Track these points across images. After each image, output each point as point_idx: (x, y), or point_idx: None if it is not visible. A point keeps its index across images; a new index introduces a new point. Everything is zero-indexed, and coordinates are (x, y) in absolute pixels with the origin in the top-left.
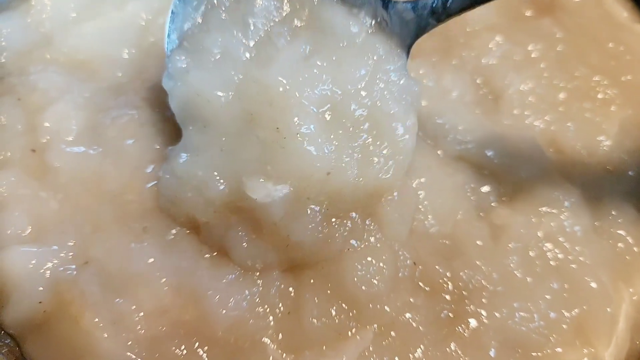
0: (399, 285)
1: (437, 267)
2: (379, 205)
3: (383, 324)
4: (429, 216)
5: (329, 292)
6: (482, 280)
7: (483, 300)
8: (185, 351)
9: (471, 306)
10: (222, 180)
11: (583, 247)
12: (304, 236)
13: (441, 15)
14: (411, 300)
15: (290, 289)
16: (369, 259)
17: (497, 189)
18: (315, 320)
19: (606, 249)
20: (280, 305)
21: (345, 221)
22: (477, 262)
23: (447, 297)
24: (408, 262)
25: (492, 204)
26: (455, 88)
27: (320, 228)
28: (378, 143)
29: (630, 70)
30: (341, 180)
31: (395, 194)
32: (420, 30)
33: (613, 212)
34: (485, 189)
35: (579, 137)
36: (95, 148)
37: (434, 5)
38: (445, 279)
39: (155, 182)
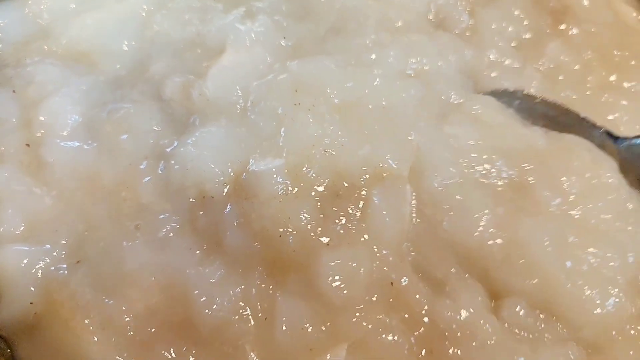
0: (375, 296)
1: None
2: (369, 196)
3: (357, 341)
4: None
5: (303, 293)
6: None
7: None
8: (174, 354)
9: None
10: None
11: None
12: (301, 220)
13: None
14: (387, 320)
15: (271, 287)
16: (348, 257)
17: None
18: (288, 332)
19: None
20: (259, 306)
21: (343, 210)
22: None
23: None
24: (393, 275)
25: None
26: None
27: (318, 212)
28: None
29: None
30: (343, 159)
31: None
32: None
33: None
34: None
35: None
36: (90, 143)
37: None
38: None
39: (150, 177)
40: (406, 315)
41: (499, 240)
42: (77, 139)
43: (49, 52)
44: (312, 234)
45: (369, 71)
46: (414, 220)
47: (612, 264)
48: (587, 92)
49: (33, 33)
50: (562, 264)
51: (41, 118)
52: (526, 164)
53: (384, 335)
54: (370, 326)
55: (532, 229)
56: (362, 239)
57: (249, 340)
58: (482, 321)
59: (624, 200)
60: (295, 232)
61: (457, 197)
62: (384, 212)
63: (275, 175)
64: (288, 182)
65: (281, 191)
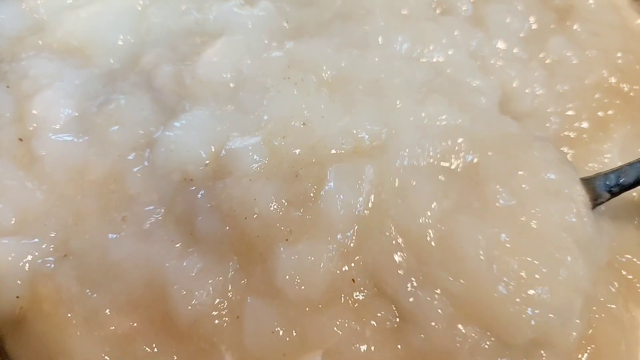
0: (340, 293)
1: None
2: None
3: (330, 347)
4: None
5: (267, 291)
6: None
7: None
8: (155, 349)
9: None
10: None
11: None
12: (265, 202)
13: (614, 188)
14: (357, 328)
15: (244, 281)
16: (306, 249)
17: None
18: (257, 334)
19: None
20: (233, 299)
21: (301, 192)
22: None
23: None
24: (354, 272)
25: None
26: None
27: (282, 194)
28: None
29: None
30: (319, 132)
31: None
32: (593, 202)
33: None
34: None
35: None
36: (81, 136)
37: (607, 181)
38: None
39: (138, 167)
40: (374, 323)
41: (437, 235)
42: (69, 132)
43: (44, 47)
44: (274, 219)
45: (369, 51)
46: (369, 204)
47: (536, 276)
48: (583, 87)
49: (29, 27)
50: (489, 268)
51: (34, 112)
52: (489, 151)
53: (358, 345)
54: (340, 332)
55: (471, 228)
56: (318, 225)
57: (224, 339)
58: None
59: (578, 213)
60: (259, 215)
61: (413, 182)
62: (338, 196)
63: (250, 152)
64: (262, 158)
65: (255, 168)
